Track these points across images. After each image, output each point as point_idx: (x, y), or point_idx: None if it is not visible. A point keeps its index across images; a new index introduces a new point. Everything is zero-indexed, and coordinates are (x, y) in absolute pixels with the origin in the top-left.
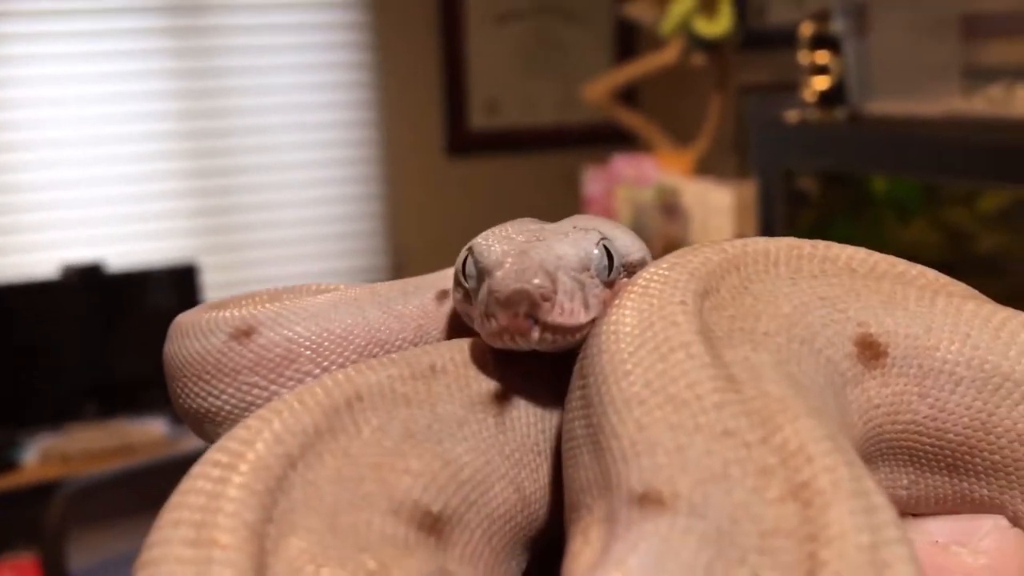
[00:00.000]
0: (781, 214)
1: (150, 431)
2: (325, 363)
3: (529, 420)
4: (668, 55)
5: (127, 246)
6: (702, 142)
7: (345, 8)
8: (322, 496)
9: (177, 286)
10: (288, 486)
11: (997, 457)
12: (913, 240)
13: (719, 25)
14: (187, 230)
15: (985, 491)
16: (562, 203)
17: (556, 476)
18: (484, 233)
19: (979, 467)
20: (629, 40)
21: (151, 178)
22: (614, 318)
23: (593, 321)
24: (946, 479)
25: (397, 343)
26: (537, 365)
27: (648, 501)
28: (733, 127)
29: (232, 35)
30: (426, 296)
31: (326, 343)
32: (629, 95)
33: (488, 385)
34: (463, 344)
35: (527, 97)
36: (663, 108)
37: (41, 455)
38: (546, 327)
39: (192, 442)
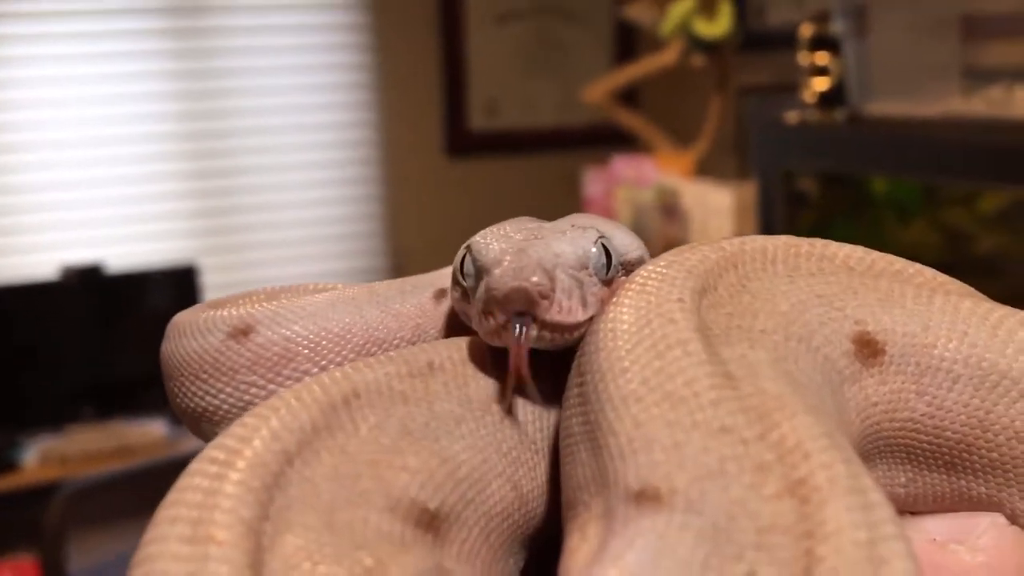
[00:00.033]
0: (781, 215)
1: (149, 432)
2: (323, 362)
3: (527, 418)
4: (668, 56)
5: (127, 247)
6: (702, 143)
7: (345, 9)
8: (319, 493)
9: (177, 287)
10: (285, 483)
11: (995, 455)
12: (913, 241)
13: (719, 26)
14: (187, 231)
15: (983, 489)
16: (562, 204)
17: (554, 474)
18: (482, 232)
19: (977, 465)
20: (629, 41)
21: (151, 179)
22: (612, 315)
23: (591, 319)
24: (944, 477)
25: (395, 342)
26: (535, 363)
27: (645, 498)
28: (733, 128)
29: (232, 36)
30: (424, 295)
31: (324, 342)
32: (629, 96)
33: (486, 383)
34: (461, 342)
35: (527, 98)
36: (663, 109)
37: (40, 456)
38: (544, 325)
39: (192, 443)
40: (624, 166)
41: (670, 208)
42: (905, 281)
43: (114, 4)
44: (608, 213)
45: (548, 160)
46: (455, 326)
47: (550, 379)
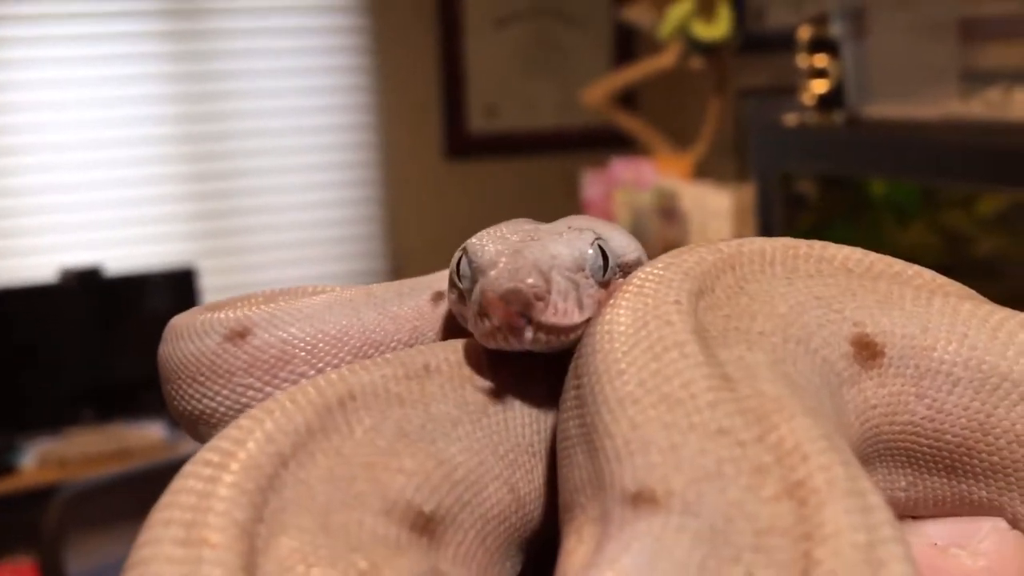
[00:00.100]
0: (780, 217)
1: (148, 435)
2: (320, 364)
3: (524, 421)
4: (667, 59)
5: (125, 250)
6: (701, 145)
7: (344, 12)
8: (314, 495)
9: (175, 290)
10: (280, 485)
11: (995, 458)
12: (911, 243)
13: (717, 29)
14: (185, 234)
15: (984, 493)
16: (561, 206)
17: (550, 477)
18: (479, 233)
19: (977, 468)
20: (628, 43)
21: (150, 182)
22: (608, 317)
23: (588, 321)
24: (944, 481)
25: (392, 344)
26: (531, 365)
27: (642, 500)
28: (732, 130)
29: (231, 39)
30: (421, 297)
31: (321, 344)
32: (628, 98)
33: (482, 385)
34: (457, 344)
35: (526, 100)
36: (662, 111)
37: (39, 459)
38: (540, 327)
39: (190, 446)
40: (623, 168)
41: (669, 210)
42: (904, 283)
43: (113, 7)
44: (607, 215)
45: (547, 162)
46: (452, 328)
47: (546, 382)
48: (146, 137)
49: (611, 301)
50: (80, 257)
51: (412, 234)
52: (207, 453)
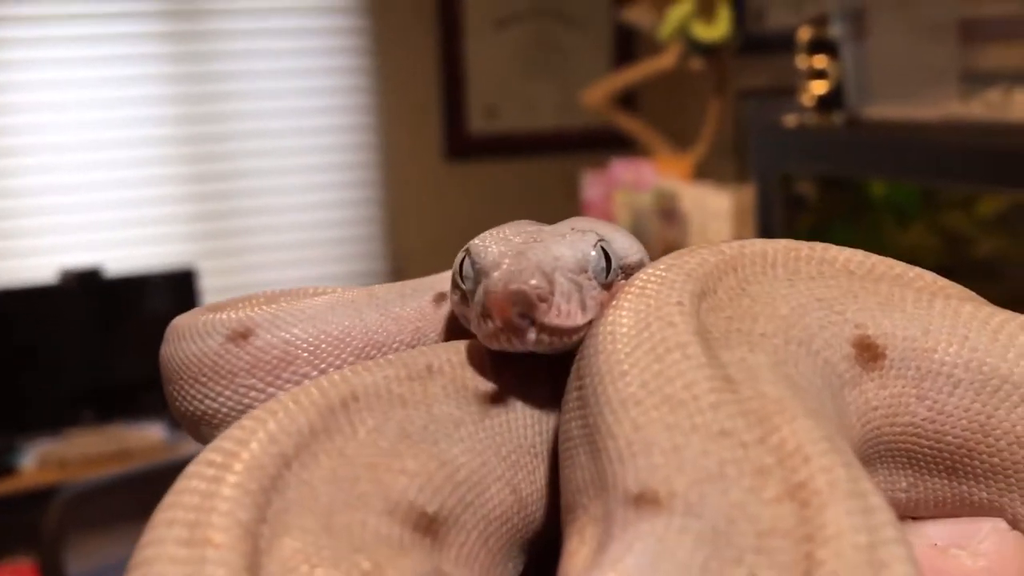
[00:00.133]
0: (780, 218)
1: (148, 436)
2: (322, 365)
3: (526, 422)
4: (667, 60)
5: (125, 251)
6: (701, 146)
7: (344, 13)
8: (317, 496)
9: (175, 291)
10: (283, 486)
11: (996, 460)
12: (912, 244)
13: (717, 30)
14: (185, 235)
15: (984, 494)
16: (561, 207)
17: (553, 478)
18: (481, 235)
19: (978, 470)
20: (628, 45)
21: (150, 183)
22: (611, 319)
23: (590, 323)
24: (945, 482)
25: (394, 345)
26: (534, 367)
27: (644, 501)
28: (732, 131)
29: (231, 40)
30: (423, 298)
31: (323, 345)
32: (628, 99)
33: (485, 386)
34: (460, 346)
35: (526, 101)
36: (662, 112)
37: (39, 460)
38: (542, 328)
39: (190, 447)
40: (623, 169)
41: (669, 211)
42: (905, 285)
43: (113, 8)
44: (607, 216)
45: (547, 163)
46: (454, 330)
47: (548, 383)
48: (146, 138)
49: (613, 302)
50: (80, 258)
51: (412, 235)
52: (210, 453)
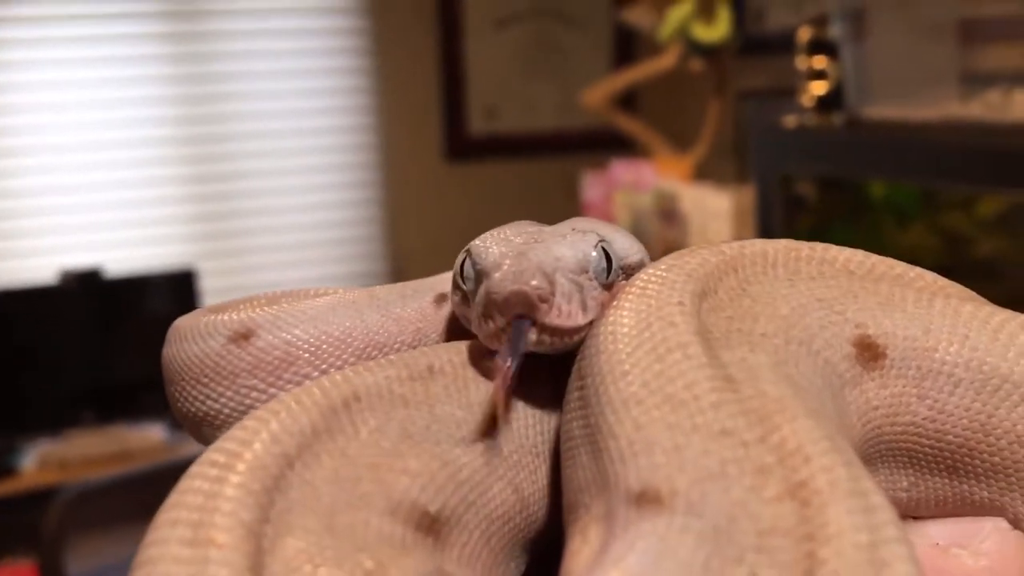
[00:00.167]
0: (779, 219)
1: (148, 437)
2: (324, 366)
3: (527, 422)
4: (667, 60)
5: (126, 251)
6: (700, 147)
7: (344, 13)
8: (319, 496)
9: (176, 291)
10: (285, 486)
11: (997, 459)
12: (911, 245)
13: (717, 30)
14: (186, 235)
15: (985, 493)
16: (561, 208)
17: (554, 478)
18: (482, 235)
19: (979, 469)
20: (628, 45)
21: (150, 183)
22: (612, 319)
23: (591, 323)
24: (946, 481)
25: (395, 346)
26: (535, 367)
27: (646, 500)
28: (731, 132)
29: (231, 40)
30: (424, 299)
31: (324, 346)
32: (628, 100)
33: (486, 387)
34: (461, 346)
35: (526, 102)
36: (662, 113)
37: (39, 461)
38: (543, 329)
39: (191, 448)
40: (623, 170)
41: (669, 212)
42: (906, 285)
43: (113, 8)
44: (607, 217)
45: (547, 164)
46: (456, 330)
47: (550, 383)
48: (146, 139)
49: (614, 303)
50: (80, 259)
51: (412, 236)
52: (213, 454)
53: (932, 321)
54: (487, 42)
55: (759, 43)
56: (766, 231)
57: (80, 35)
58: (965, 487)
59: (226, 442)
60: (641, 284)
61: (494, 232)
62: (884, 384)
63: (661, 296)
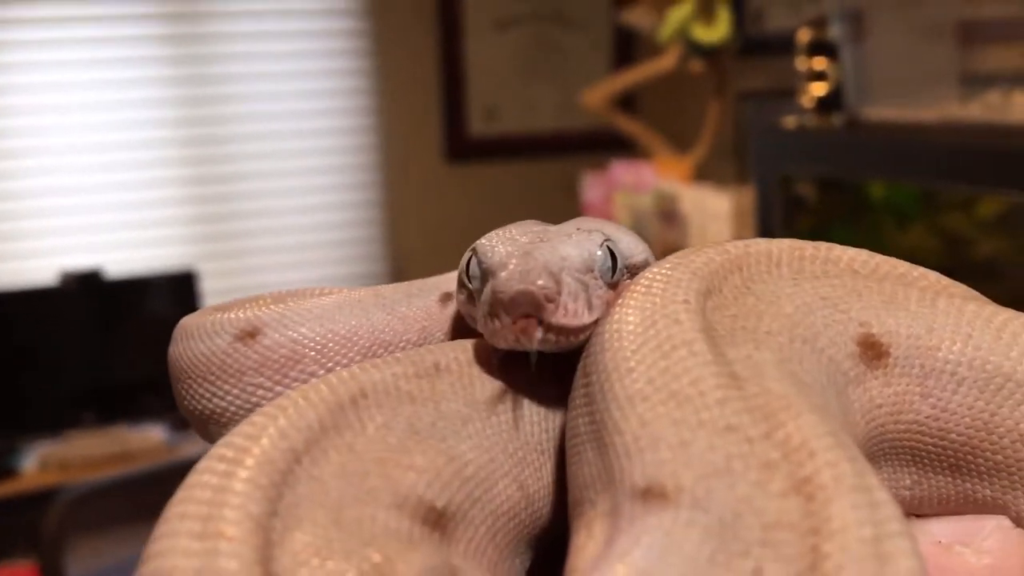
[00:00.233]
0: (779, 220)
1: (149, 438)
2: (329, 364)
3: (533, 419)
4: (666, 61)
5: (126, 253)
6: (700, 148)
7: (344, 15)
8: (327, 491)
9: (176, 293)
10: (293, 481)
11: (999, 457)
12: (911, 246)
13: (717, 32)
14: (186, 237)
15: (988, 491)
16: (561, 209)
17: (559, 475)
18: (488, 234)
19: (982, 467)
20: (628, 47)
21: (150, 185)
22: (617, 317)
23: (596, 322)
24: (949, 479)
25: (401, 344)
26: (540, 365)
27: (651, 495)
28: (731, 133)
29: (231, 42)
30: (430, 298)
31: (331, 344)
32: (627, 101)
33: (492, 384)
34: (467, 344)
35: (526, 103)
36: (661, 114)
37: (40, 462)
38: (550, 328)
39: (191, 449)
40: (623, 171)
41: (669, 213)
42: (909, 284)
43: (114, 11)
44: (607, 218)
45: (547, 165)
46: (460, 329)
47: (555, 381)
48: (147, 140)
49: (620, 301)
50: (81, 260)
51: (412, 237)
52: (221, 449)
53: (935, 320)
54: (487, 43)
55: (759, 44)
56: (766, 232)
57: (81, 37)
58: (968, 485)
59: (234, 437)
60: (646, 282)
61: (500, 231)
62: (888, 382)
63: (666, 294)
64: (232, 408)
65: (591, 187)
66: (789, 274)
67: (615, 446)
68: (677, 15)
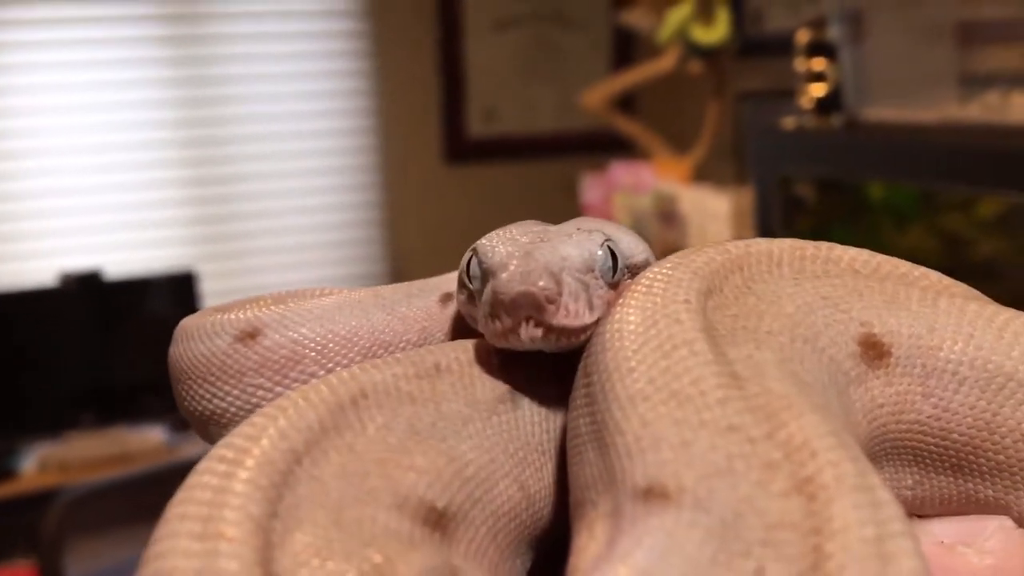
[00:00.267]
0: (778, 221)
1: (148, 439)
2: (330, 364)
3: (533, 419)
4: (665, 62)
5: (125, 254)
6: (699, 149)
7: (343, 16)
8: (327, 491)
9: (175, 294)
10: (293, 481)
11: (1001, 457)
12: (911, 246)
13: (716, 32)
14: (185, 238)
15: (990, 491)
16: (560, 210)
17: (560, 475)
18: (488, 234)
19: (984, 467)
20: (627, 47)
21: (149, 186)
22: (618, 316)
23: (597, 322)
24: (951, 480)
25: (401, 345)
26: (541, 365)
27: (653, 495)
28: (730, 134)
29: (231, 43)
30: (430, 298)
31: (331, 345)
32: (627, 102)
33: (492, 384)
34: (467, 344)
35: (525, 104)
36: (661, 115)
37: (39, 463)
38: (551, 329)
39: (190, 450)
40: (622, 172)
41: (668, 214)
42: (910, 284)
43: (113, 12)
44: (606, 219)
45: (546, 166)
46: (461, 330)
47: (555, 381)
48: (146, 141)
49: (620, 301)
50: (80, 261)
51: (412, 238)
52: (221, 449)
53: (937, 320)
54: (486, 44)
55: (758, 45)
56: (765, 233)
57: (80, 38)
58: (970, 485)
59: (234, 438)
60: (647, 282)
61: (500, 231)
62: (889, 382)
63: (667, 294)
64: (232, 409)
65: (590, 188)
66: (790, 274)
67: (616, 446)
68: (676, 16)
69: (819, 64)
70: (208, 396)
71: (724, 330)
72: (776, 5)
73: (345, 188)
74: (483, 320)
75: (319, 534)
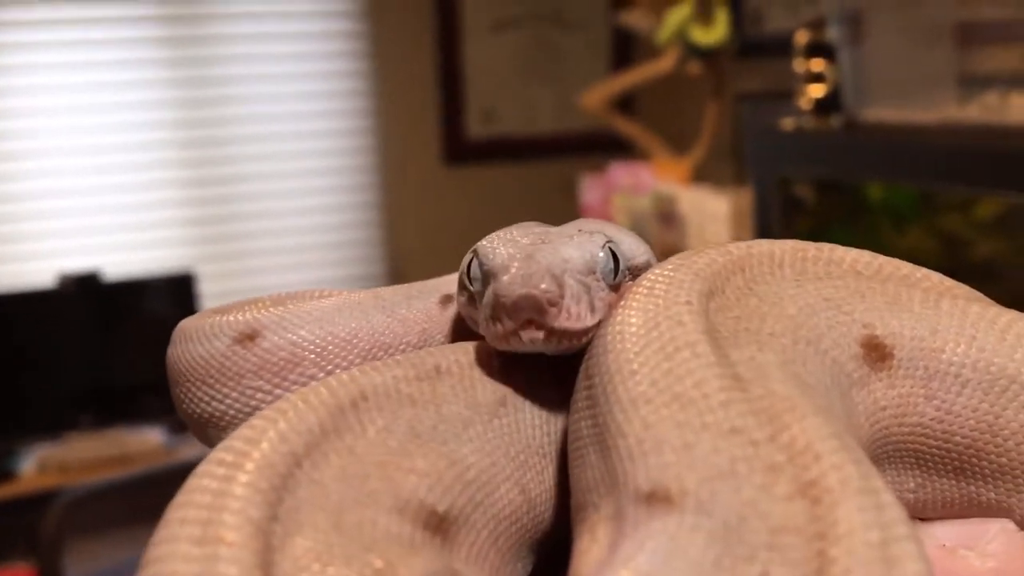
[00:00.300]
0: (778, 222)
1: (147, 440)
2: (329, 367)
3: (534, 422)
4: (664, 63)
5: (124, 255)
6: (698, 150)
7: (343, 17)
8: (328, 495)
9: (174, 295)
10: (294, 485)
11: (1004, 460)
12: (910, 247)
13: (715, 33)
14: (184, 239)
15: (992, 494)
16: (559, 211)
17: (561, 479)
18: (489, 236)
19: (986, 470)
20: (626, 48)
21: (148, 187)
22: (620, 319)
23: (599, 324)
24: (953, 482)
25: (401, 347)
26: (542, 367)
27: (656, 499)
28: (729, 135)
29: (230, 44)
30: (430, 300)
31: (330, 347)
32: (626, 103)
33: (493, 387)
34: (468, 346)
35: (524, 105)
36: (660, 116)
37: (38, 464)
38: (552, 331)
39: (190, 451)
40: (621, 173)
41: (667, 215)
42: (912, 285)
43: (112, 12)
44: (605, 220)
45: (545, 167)
46: (461, 331)
47: (556, 384)
48: (145, 142)
49: (622, 303)
50: (79, 262)
51: (411, 239)
52: (221, 453)
53: (939, 322)
54: (485, 45)
55: (757, 46)
56: (764, 233)
57: (79, 39)
58: (972, 488)
59: (234, 441)
60: (648, 284)
61: (501, 233)
62: (891, 384)
63: (669, 295)
64: (231, 411)
65: (589, 189)
66: (792, 275)
67: (618, 449)
68: (675, 17)
69: (818, 65)
70: (207, 398)
71: (726, 332)
72: (775, 6)
73: (344, 189)
74: (484, 322)
75: (319, 538)
